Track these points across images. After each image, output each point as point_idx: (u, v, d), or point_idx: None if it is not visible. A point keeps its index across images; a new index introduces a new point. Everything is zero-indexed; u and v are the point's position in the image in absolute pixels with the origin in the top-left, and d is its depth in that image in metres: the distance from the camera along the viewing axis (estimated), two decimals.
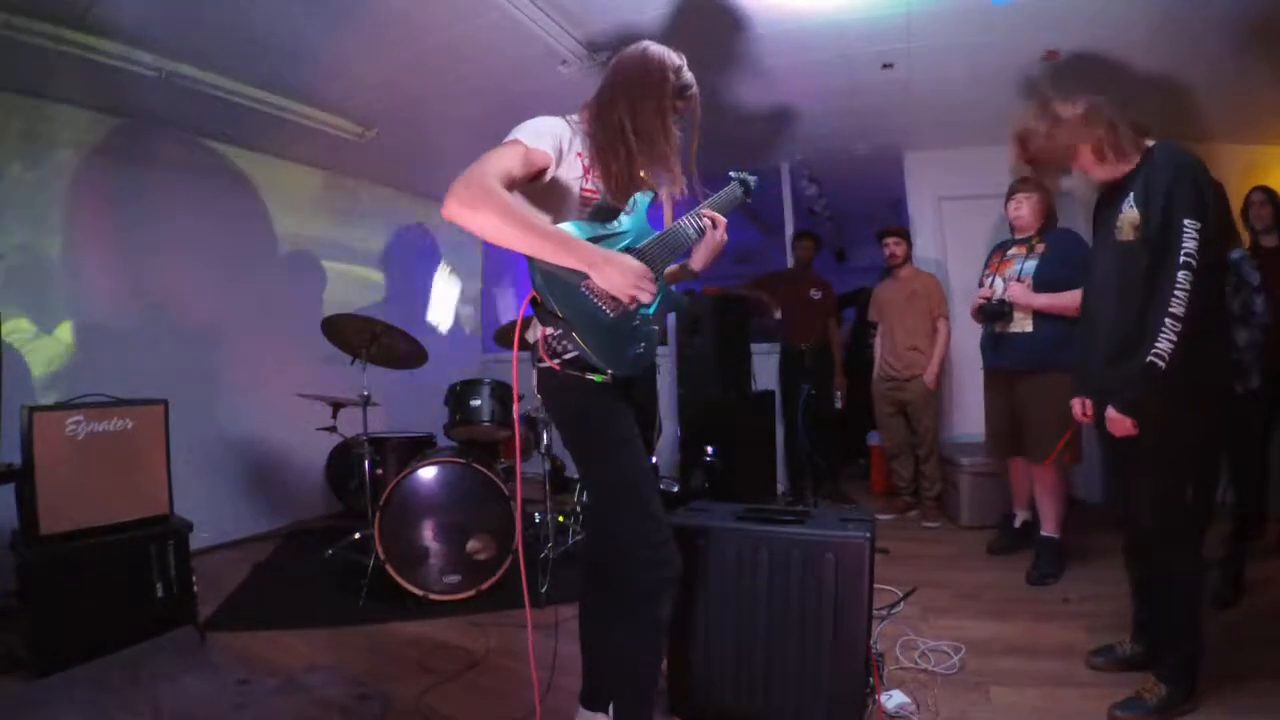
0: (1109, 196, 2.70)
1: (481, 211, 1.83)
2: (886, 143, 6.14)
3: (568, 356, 2.11)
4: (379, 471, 4.39)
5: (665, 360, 6.81)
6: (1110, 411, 2.52)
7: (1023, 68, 4.39)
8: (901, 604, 3.60)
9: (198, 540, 3.64)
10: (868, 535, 2.43)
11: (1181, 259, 2.32)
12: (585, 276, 1.96)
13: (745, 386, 6.03)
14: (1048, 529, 4.12)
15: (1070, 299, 3.67)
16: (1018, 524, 4.53)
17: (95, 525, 3.27)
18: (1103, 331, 2.68)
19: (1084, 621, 3.34)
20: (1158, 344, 2.33)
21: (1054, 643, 3.17)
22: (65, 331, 4.50)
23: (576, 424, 2.26)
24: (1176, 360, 2.32)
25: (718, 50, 4.28)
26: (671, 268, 2.36)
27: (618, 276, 1.93)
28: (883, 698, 2.65)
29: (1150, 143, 2.59)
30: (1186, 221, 2.34)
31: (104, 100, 4.49)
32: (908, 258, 5.60)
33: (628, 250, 2.11)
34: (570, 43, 4.05)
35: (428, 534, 3.86)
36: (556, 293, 1.99)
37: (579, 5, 3.79)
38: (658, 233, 2.24)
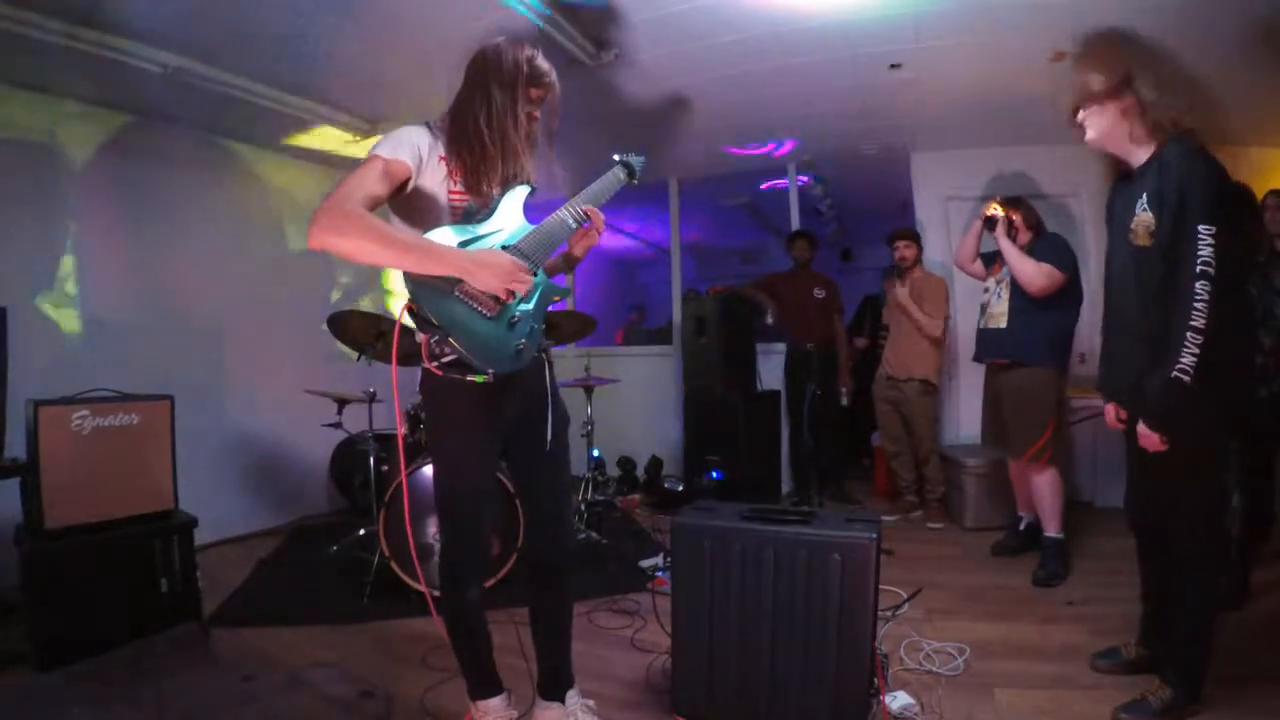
0: (1123, 196, 2.64)
1: (347, 236, 1.86)
2: (893, 143, 6.12)
3: (447, 359, 2.14)
4: (384, 468, 4.39)
5: (672, 359, 6.83)
6: (1141, 427, 2.50)
7: (1032, 69, 4.37)
8: (906, 605, 3.59)
9: (202, 535, 3.65)
10: (874, 536, 2.42)
11: (1198, 268, 2.27)
12: (459, 282, 1.99)
13: (750, 386, 6.03)
14: (1050, 530, 4.12)
15: (1030, 263, 4.03)
16: (1022, 526, 4.53)
17: (100, 520, 3.28)
18: (1128, 339, 2.65)
19: (1088, 624, 3.33)
20: (1181, 359, 2.29)
21: (1058, 645, 3.17)
22: (72, 326, 4.52)
23: (438, 425, 2.41)
24: (1202, 370, 2.28)
25: (725, 51, 4.28)
26: (552, 259, 2.38)
27: (490, 276, 1.97)
28: (887, 699, 2.65)
29: (1166, 138, 2.52)
30: (1200, 228, 2.29)
31: (113, 96, 4.50)
32: (918, 260, 5.59)
33: (505, 248, 2.12)
34: (582, 42, 4.05)
35: (433, 531, 3.86)
36: (430, 301, 2.01)
37: (588, 6, 3.78)
38: (534, 226, 2.25)
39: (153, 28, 3.78)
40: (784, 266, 6.65)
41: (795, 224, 6.82)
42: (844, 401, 6.26)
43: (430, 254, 1.96)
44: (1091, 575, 3.98)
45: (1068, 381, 4.31)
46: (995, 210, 4.27)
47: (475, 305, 2.04)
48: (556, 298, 2.34)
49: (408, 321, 2.07)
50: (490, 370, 2.09)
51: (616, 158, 2.48)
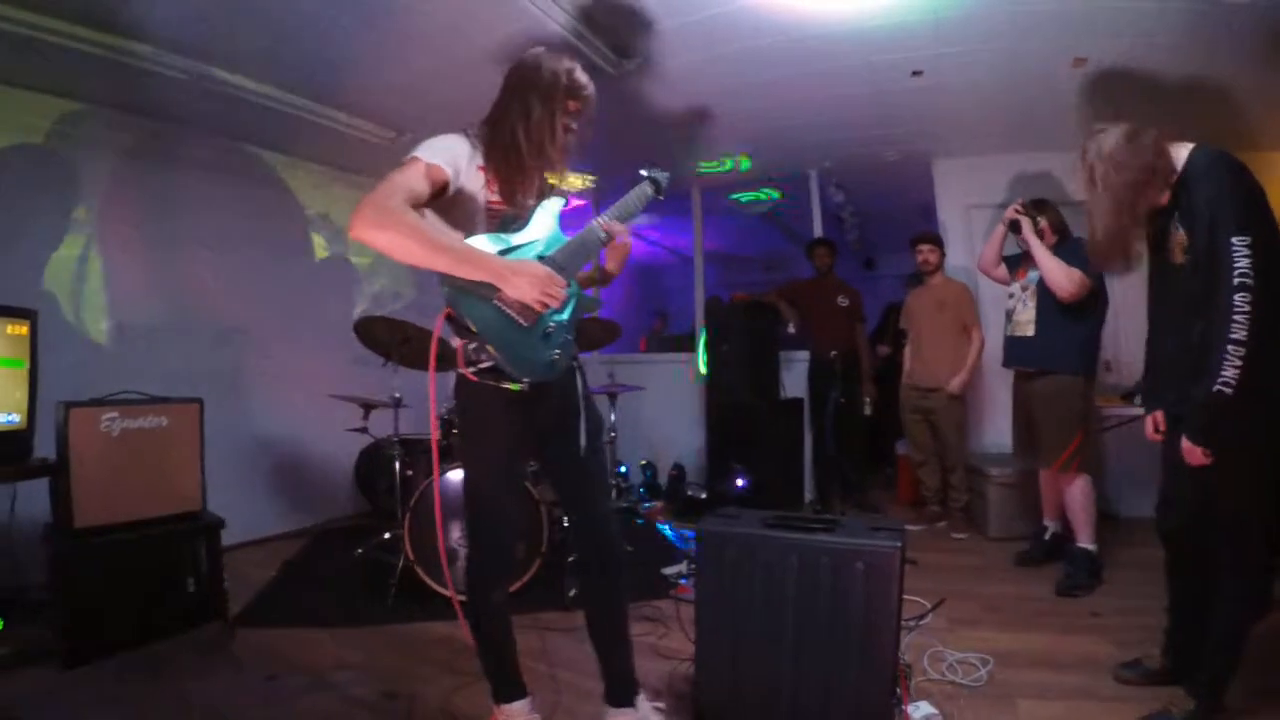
0: (1159, 220, 2.61)
1: (387, 231, 1.89)
2: (915, 150, 6.11)
3: (483, 366, 2.16)
4: (409, 473, 4.42)
5: (697, 365, 6.83)
6: (1184, 442, 2.46)
7: (1052, 74, 4.36)
8: (929, 615, 3.58)
9: (229, 537, 3.69)
10: (898, 545, 2.42)
11: (1236, 280, 2.23)
12: (496, 289, 2.01)
13: (774, 393, 6.02)
14: (1082, 540, 4.09)
15: (1061, 268, 3.97)
16: (1047, 536, 4.49)
17: (128, 520, 3.34)
18: (1172, 352, 2.62)
19: (1112, 635, 3.30)
20: (1224, 373, 2.26)
21: (1081, 656, 3.14)
22: (100, 330, 4.59)
23: (470, 431, 2.40)
24: (1244, 383, 2.25)
25: (745, 59, 4.29)
26: (586, 271, 2.40)
27: (525, 285, 2.00)
28: (909, 709, 2.64)
29: (1185, 150, 2.48)
30: (1234, 240, 2.25)
31: (136, 102, 4.56)
32: (940, 266, 5.57)
33: (540, 258, 2.15)
34: (602, 49, 4.08)
35: (456, 536, 3.88)
36: (468, 307, 2.04)
37: (607, 13, 3.81)
38: (568, 238, 2.28)
39: (177, 35, 3.84)
40: (806, 274, 6.64)
41: (818, 231, 6.82)
42: (867, 410, 6.23)
43: (467, 258, 1.99)
44: (1116, 586, 3.93)
45: (1095, 389, 4.28)
46: (1018, 213, 4.24)
47: (511, 314, 2.07)
48: (590, 310, 2.37)
49: (445, 327, 2.10)
50: (525, 379, 2.11)
51: (644, 172, 2.50)
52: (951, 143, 5.93)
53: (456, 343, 2.20)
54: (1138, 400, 4.45)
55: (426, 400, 4.91)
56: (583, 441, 2.39)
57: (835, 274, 6.42)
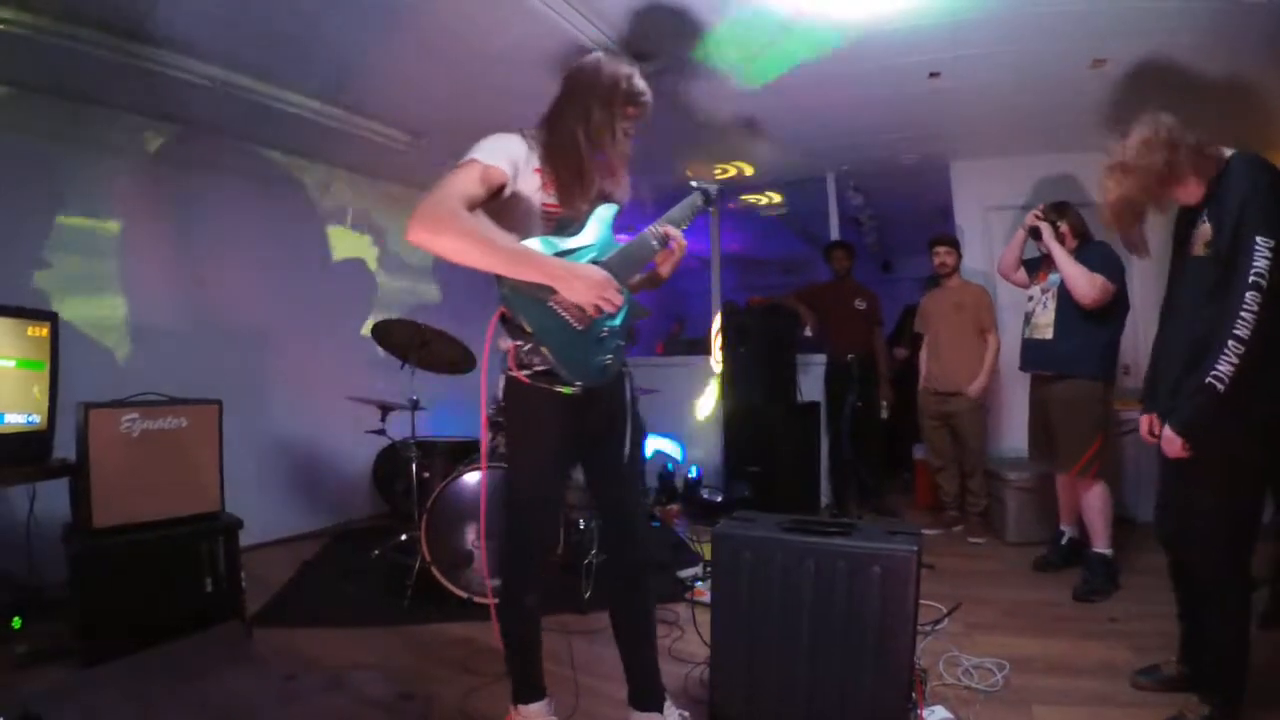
0: (1188, 216, 2.60)
1: (445, 234, 1.90)
2: (933, 152, 6.09)
3: (537, 369, 2.16)
4: (426, 475, 4.44)
5: (713, 368, 6.83)
6: (1165, 430, 2.46)
7: (1071, 76, 4.34)
8: (946, 620, 3.56)
9: (247, 537, 3.71)
10: (914, 549, 2.41)
11: (1251, 278, 2.22)
12: (552, 291, 2.01)
13: (790, 397, 6.01)
14: (1098, 545, 4.05)
15: (1084, 274, 3.94)
16: (1064, 540, 4.45)
17: (147, 520, 3.35)
18: (1174, 350, 2.60)
19: (1129, 640, 3.28)
20: (1218, 365, 2.25)
21: (1098, 661, 3.12)
22: (120, 332, 4.63)
23: (521, 433, 2.38)
24: (1237, 383, 2.24)
25: (761, 61, 4.28)
26: (635, 279, 2.40)
27: (582, 288, 2.00)
28: (925, 714, 2.62)
29: (1228, 153, 2.48)
30: (1259, 239, 2.24)
31: (161, 108, 4.61)
32: (957, 268, 5.55)
33: (593, 263, 2.15)
34: (616, 50, 4.06)
35: (473, 538, 3.90)
36: (524, 308, 2.04)
37: (624, 14, 3.82)
38: (621, 244, 2.28)
39: (200, 42, 3.88)
40: (824, 277, 6.62)
41: (835, 234, 6.80)
42: (884, 414, 6.21)
43: (526, 260, 1.99)
44: (1134, 591, 3.90)
45: (1114, 393, 4.24)
46: (1038, 219, 4.21)
47: (566, 317, 2.08)
48: (640, 316, 2.38)
49: (500, 328, 2.12)
50: (577, 382, 2.12)
51: (694, 183, 2.51)
52: (969, 145, 5.90)
53: (506, 345, 2.20)
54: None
55: (443, 403, 4.94)
56: (627, 449, 2.39)
57: (853, 277, 6.40)
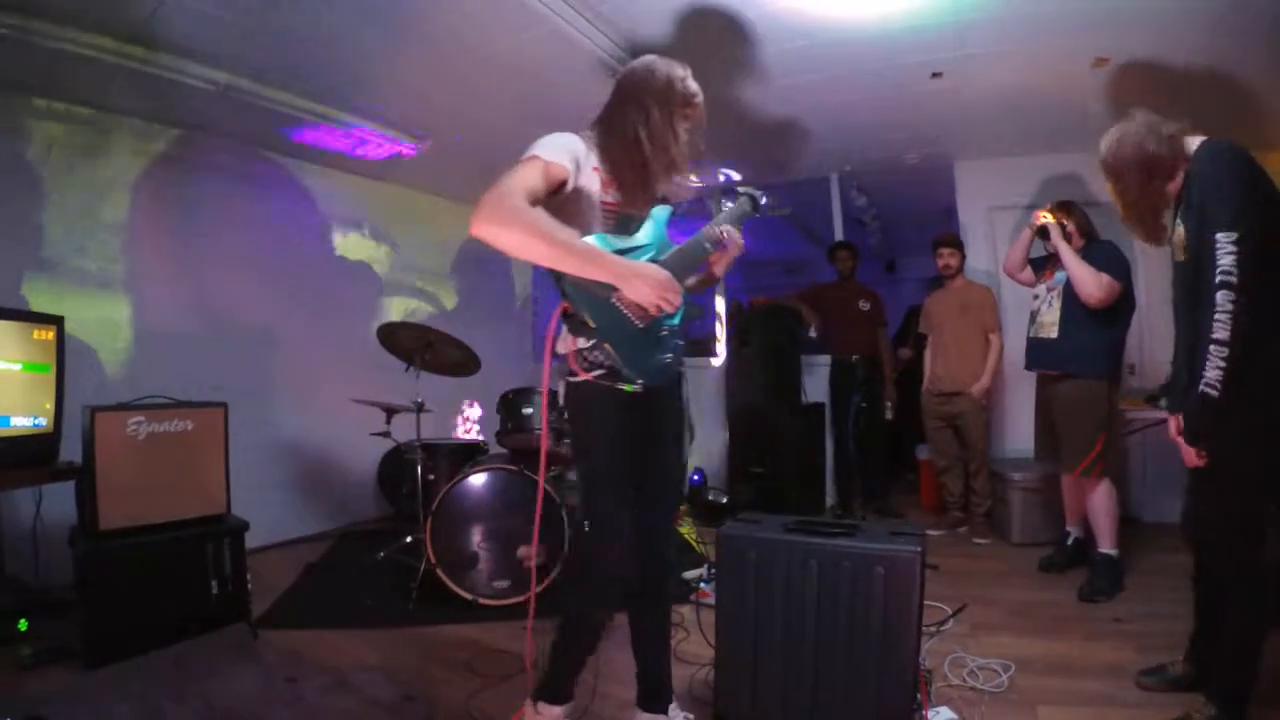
0: (1172, 216, 2.60)
1: (509, 228, 1.88)
2: (936, 152, 6.08)
3: (602, 369, 2.16)
4: (431, 477, 4.44)
5: (716, 371, 6.82)
6: (1181, 442, 2.47)
7: (1074, 75, 4.33)
8: (951, 621, 3.56)
9: (252, 539, 3.72)
10: (918, 549, 2.41)
11: (1218, 278, 2.22)
12: (614, 289, 2.01)
13: (795, 398, 6.00)
14: (1104, 546, 4.04)
15: (1091, 274, 3.93)
16: (1070, 541, 4.45)
17: (153, 523, 3.37)
18: (1180, 355, 2.60)
19: (1135, 641, 3.27)
20: (1206, 373, 2.25)
21: (1104, 662, 3.11)
22: (126, 335, 4.65)
23: (590, 435, 2.34)
24: (1231, 385, 2.23)
25: (766, 63, 4.29)
26: (691, 280, 2.40)
27: (645, 287, 1.99)
28: (930, 715, 2.62)
29: (1195, 144, 2.46)
30: (1219, 236, 2.24)
31: (164, 113, 4.63)
32: (961, 268, 5.55)
33: (652, 262, 2.15)
34: (621, 55, 4.08)
35: (478, 539, 3.90)
36: (588, 305, 2.04)
37: (627, 19, 3.83)
38: (677, 245, 2.28)
39: (202, 47, 3.90)
40: (828, 278, 6.62)
41: (839, 235, 6.80)
42: (888, 415, 6.20)
43: (590, 257, 1.98)
44: (1139, 592, 3.90)
45: (1119, 393, 4.23)
46: (1046, 218, 4.20)
47: (628, 315, 2.09)
48: (694, 317, 2.39)
49: (563, 324, 2.12)
50: (640, 381, 2.12)
51: (740, 189, 2.53)
52: (973, 145, 5.88)
53: (567, 348, 2.20)
54: (1161, 404, 4.42)
55: (446, 405, 4.92)
56: (682, 452, 2.39)
57: (857, 278, 6.40)
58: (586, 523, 2.36)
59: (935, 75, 4.45)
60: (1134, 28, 3.81)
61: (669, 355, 2.23)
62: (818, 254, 7.98)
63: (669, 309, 2.07)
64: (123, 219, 4.65)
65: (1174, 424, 2.72)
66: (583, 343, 2.15)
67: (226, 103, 4.36)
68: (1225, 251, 2.22)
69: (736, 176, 2.54)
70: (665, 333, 2.21)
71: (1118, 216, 2.75)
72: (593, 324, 2.05)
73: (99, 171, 4.53)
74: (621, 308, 2.08)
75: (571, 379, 2.24)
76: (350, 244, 6.16)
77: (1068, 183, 5.62)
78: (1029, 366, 4.44)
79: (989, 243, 6.15)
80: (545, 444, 2.40)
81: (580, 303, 2.05)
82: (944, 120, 5.29)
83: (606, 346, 2.07)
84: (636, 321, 2.11)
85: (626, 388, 2.16)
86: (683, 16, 3.80)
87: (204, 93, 4.21)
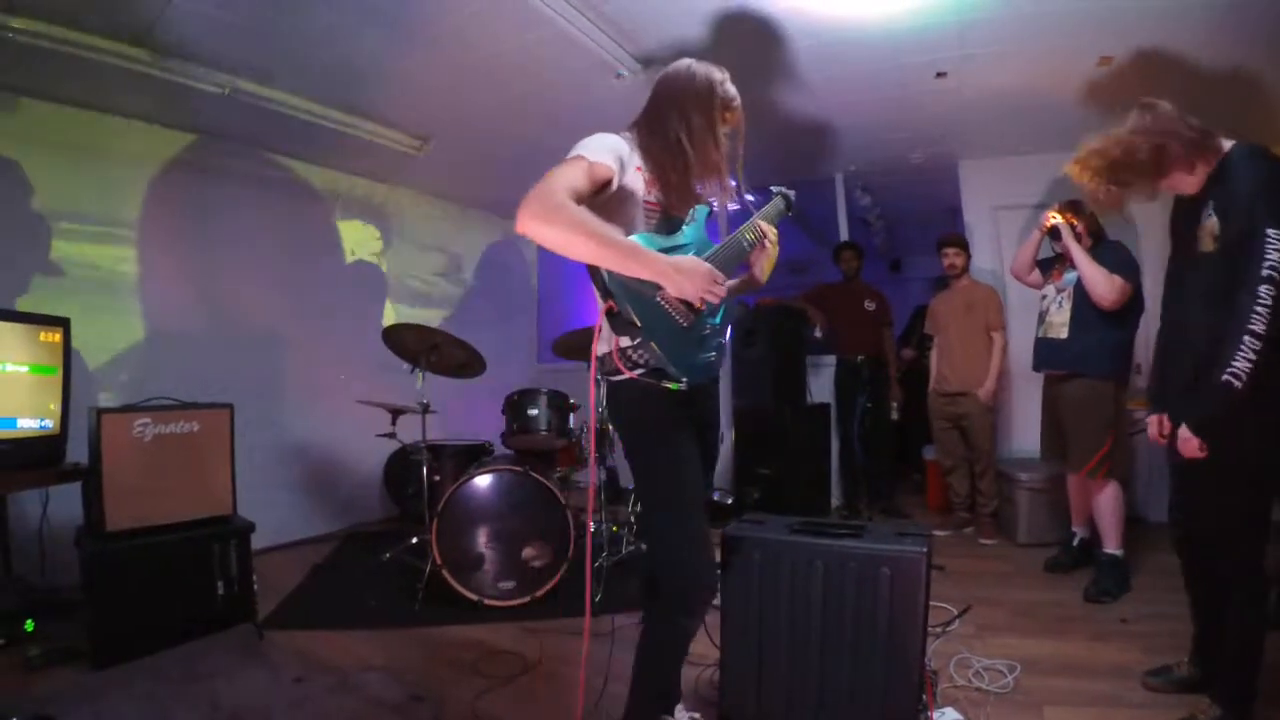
0: (1188, 207, 2.58)
1: (555, 225, 1.87)
2: (941, 152, 6.07)
3: (647, 368, 2.14)
4: (436, 478, 4.45)
5: (722, 371, 6.80)
6: (1182, 430, 2.43)
7: (1078, 73, 4.33)
8: (956, 622, 3.55)
9: (259, 540, 3.74)
10: (924, 550, 2.41)
11: (1264, 271, 2.19)
12: (658, 287, 2.00)
13: (800, 398, 5.99)
14: (1109, 546, 4.03)
15: (1104, 275, 3.91)
16: (1076, 542, 4.43)
17: (159, 524, 3.39)
18: (1185, 348, 2.57)
19: (1141, 642, 3.27)
20: (1234, 363, 2.22)
21: (1110, 663, 3.11)
22: (134, 338, 4.66)
23: (644, 433, 2.29)
24: (1255, 380, 2.21)
25: (769, 63, 4.29)
26: (733, 281, 2.39)
27: (688, 283, 1.98)
28: (936, 715, 2.62)
29: (1227, 144, 2.45)
30: (1270, 231, 2.21)
31: (172, 116, 4.66)
32: (966, 268, 5.54)
33: None
34: (624, 56, 4.08)
35: (483, 540, 3.91)
36: (634, 303, 2.03)
37: (631, 20, 3.82)
38: (717, 244, 2.27)
39: (209, 51, 3.92)
40: (832, 278, 6.61)
41: (844, 235, 6.79)
42: (894, 415, 6.19)
43: (634, 254, 1.97)
44: (1146, 592, 3.89)
45: (1127, 393, 4.22)
46: (1055, 218, 4.19)
47: (673, 314, 2.08)
48: (734, 317, 2.38)
49: (605, 323, 2.11)
50: (685, 379, 2.12)
51: (774, 189, 2.53)
52: (978, 144, 5.87)
53: (609, 348, 2.18)
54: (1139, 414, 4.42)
55: (450, 407, 4.93)
56: (715, 457, 2.37)
57: (862, 278, 6.38)
58: (647, 531, 2.29)
59: (940, 75, 4.45)
60: (1137, 25, 3.81)
61: (712, 353, 2.23)
62: (823, 254, 7.96)
63: (714, 300, 2.06)
64: (133, 222, 4.67)
65: (1155, 424, 2.72)
66: (626, 341, 2.13)
67: (233, 106, 4.38)
68: (1275, 247, 2.20)
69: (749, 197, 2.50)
70: (708, 331, 2.20)
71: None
72: (639, 322, 2.04)
73: (109, 175, 4.54)
74: (667, 306, 2.08)
75: (615, 378, 2.22)
76: (357, 246, 6.17)
77: (1073, 182, 5.59)
78: (1037, 367, 4.42)
79: (994, 242, 6.14)
80: (594, 442, 2.39)
81: (626, 301, 2.04)
82: (948, 120, 5.29)
83: (652, 345, 2.05)
84: (681, 320, 2.11)
85: (672, 386, 2.15)
86: (687, 18, 3.80)
87: (211, 96, 4.23)
